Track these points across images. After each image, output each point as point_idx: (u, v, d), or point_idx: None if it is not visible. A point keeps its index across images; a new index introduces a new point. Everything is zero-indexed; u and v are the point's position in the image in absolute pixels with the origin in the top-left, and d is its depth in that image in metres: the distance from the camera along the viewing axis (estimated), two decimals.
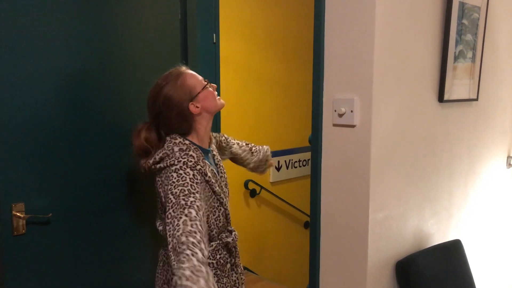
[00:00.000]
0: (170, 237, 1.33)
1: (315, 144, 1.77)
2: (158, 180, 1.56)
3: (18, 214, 1.61)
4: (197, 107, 1.58)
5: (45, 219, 1.67)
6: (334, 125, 1.70)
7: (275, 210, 4.01)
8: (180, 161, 1.51)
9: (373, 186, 1.64)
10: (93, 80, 1.79)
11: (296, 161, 4.15)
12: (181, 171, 1.48)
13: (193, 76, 1.61)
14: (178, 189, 1.43)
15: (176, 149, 1.55)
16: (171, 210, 1.39)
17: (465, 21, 1.96)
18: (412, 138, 1.83)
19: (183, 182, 1.45)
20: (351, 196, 1.68)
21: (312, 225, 1.80)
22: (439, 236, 2.05)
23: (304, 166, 4.21)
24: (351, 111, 1.64)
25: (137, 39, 1.91)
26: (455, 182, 2.13)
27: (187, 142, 1.58)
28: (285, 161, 4.05)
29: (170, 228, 1.35)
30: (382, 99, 1.65)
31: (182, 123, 1.59)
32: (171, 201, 1.42)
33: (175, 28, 2.06)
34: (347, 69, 1.65)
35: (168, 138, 1.60)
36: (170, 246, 1.31)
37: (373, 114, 1.61)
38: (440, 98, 1.92)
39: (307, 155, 4.16)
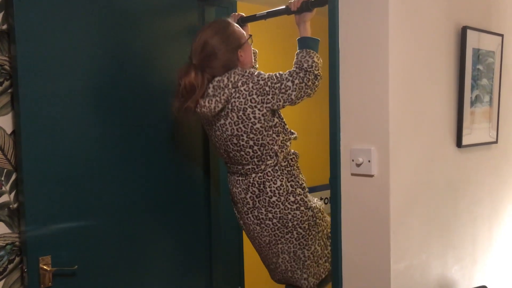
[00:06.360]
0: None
1: (334, 193, 1.78)
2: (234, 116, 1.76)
3: (45, 267, 1.66)
4: (241, 55, 1.77)
5: (71, 271, 1.71)
6: (353, 174, 1.72)
7: None
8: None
9: (393, 236, 1.63)
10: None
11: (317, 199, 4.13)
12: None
13: (239, 27, 1.81)
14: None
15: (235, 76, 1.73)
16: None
17: (480, 67, 1.98)
18: (432, 185, 1.82)
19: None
20: (372, 246, 1.67)
21: (334, 275, 1.79)
22: (464, 282, 2.01)
23: (326, 204, 4.19)
24: (369, 161, 1.66)
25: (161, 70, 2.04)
26: (479, 226, 2.10)
27: None
28: None
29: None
30: (400, 148, 1.66)
31: (227, 69, 1.73)
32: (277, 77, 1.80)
33: None
34: (363, 119, 1.68)
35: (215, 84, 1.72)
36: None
37: (391, 164, 1.62)
38: (459, 143, 1.92)
39: (329, 193, 4.14)
